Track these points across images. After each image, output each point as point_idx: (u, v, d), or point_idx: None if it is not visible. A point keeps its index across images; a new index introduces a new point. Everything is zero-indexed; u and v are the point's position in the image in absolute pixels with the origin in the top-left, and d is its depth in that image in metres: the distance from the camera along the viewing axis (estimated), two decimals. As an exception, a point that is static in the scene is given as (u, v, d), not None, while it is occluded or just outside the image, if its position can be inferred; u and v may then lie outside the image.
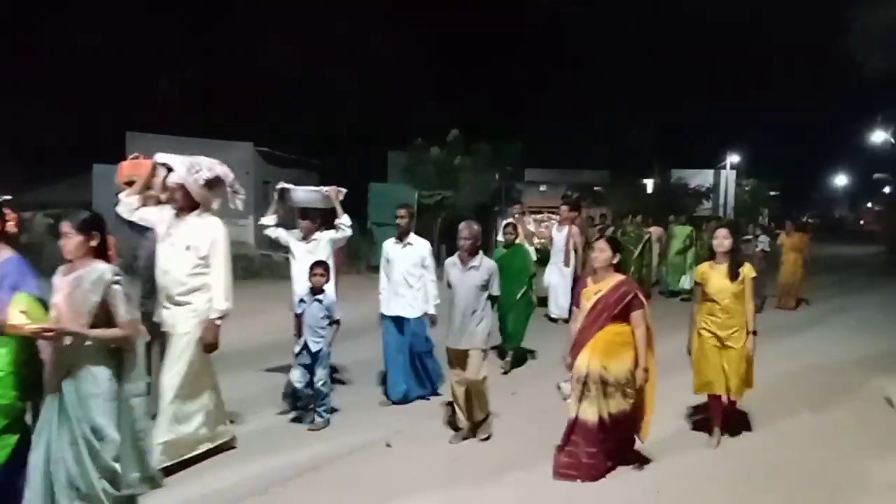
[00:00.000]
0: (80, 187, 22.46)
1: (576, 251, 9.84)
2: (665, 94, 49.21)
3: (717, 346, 5.43)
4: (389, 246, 6.69)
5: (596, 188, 37.76)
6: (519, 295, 7.96)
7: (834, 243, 39.82)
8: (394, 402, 6.52)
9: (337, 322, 5.86)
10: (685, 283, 13.81)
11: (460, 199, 21.18)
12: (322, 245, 6.59)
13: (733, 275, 5.38)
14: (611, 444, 4.78)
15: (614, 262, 4.87)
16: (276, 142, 23.89)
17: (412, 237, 6.69)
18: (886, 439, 5.83)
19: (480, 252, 5.64)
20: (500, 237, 8.40)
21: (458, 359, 5.52)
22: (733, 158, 42.94)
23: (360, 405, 6.46)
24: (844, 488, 4.80)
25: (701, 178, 39.74)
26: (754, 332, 5.43)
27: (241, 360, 7.56)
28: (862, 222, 66.31)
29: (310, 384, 5.75)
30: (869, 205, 62.56)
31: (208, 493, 4.43)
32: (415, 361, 6.63)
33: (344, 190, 6.86)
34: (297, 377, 5.78)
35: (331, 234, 6.66)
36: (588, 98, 46.25)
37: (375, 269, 11.18)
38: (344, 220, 6.64)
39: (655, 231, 15.48)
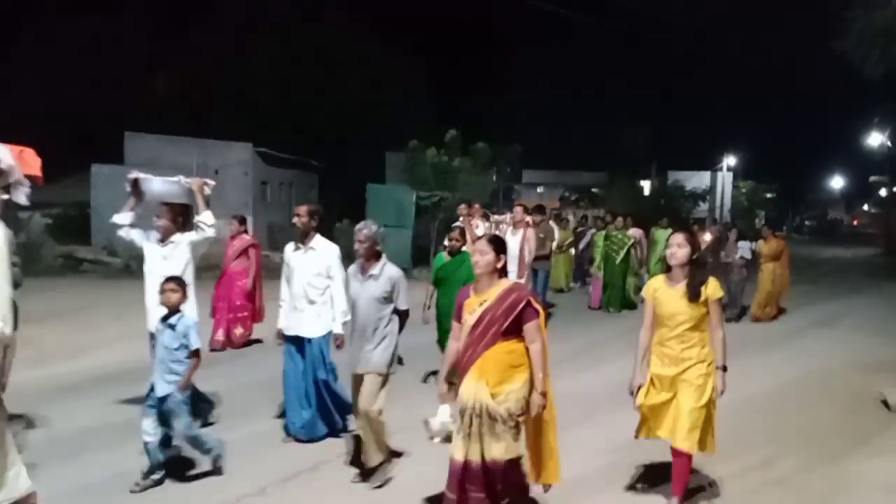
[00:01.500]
0: (78, 187, 22.45)
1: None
2: (662, 97, 49.36)
3: (667, 389, 4.29)
4: (289, 251, 5.55)
5: (593, 190, 37.90)
6: None
7: (829, 245, 39.99)
8: (296, 439, 5.41)
9: (196, 354, 4.56)
10: None
11: (458, 200, 21.18)
12: (180, 250, 5.45)
13: (693, 294, 4.20)
14: (504, 490, 3.83)
15: (499, 265, 3.97)
16: (274, 143, 23.91)
17: (316, 240, 5.45)
18: (881, 441, 5.87)
19: (383, 258, 4.81)
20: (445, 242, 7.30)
21: (357, 385, 4.73)
22: (730, 160, 43.08)
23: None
24: (839, 490, 4.83)
25: (698, 179, 39.86)
26: (724, 369, 4.26)
27: (235, 359, 7.58)
28: (855, 223, 66.48)
29: (167, 442, 4.53)
30: (865, 207, 62.72)
31: (204, 494, 4.44)
32: (320, 391, 5.42)
33: (212, 182, 5.79)
34: (147, 428, 4.46)
35: (191, 235, 5.51)
36: (586, 100, 46.35)
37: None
38: (205, 217, 5.49)
39: (635, 233, 14.26)
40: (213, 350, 8.13)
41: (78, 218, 20.86)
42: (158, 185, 5.58)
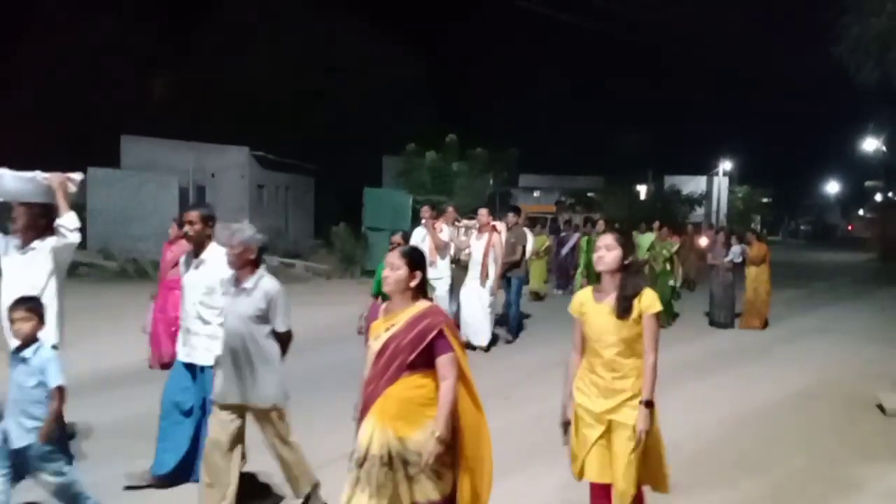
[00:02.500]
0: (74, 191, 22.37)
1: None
2: (659, 102, 49.50)
3: (595, 424, 3.50)
4: (182, 265, 4.77)
5: (590, 194, 37.99)
6: None
7: (825, 250, 40.12)
8: (159, 479, 4.55)
9: (59, 392, 3.68)
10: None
11: (455, 203, 21.22)
12: (41, 258, 4.54)
13: (622, 309, 3.42)
14: None
15: (413, 284, 3.28)
16: (271, 146, 23.91)
17: (210, 251, 4.53)
18: (878, 446, 5.88)
19: (261, 269, 4.10)
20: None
21: (227, 419, 4.04)
22: (726, 165, 43.22)
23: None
24: (835, 496, 4.84)
25: (694, 184, 39.99)
26: (648, 404, 3.40)
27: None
28: (850, 228, 66.72)
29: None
30: (861, 212, 62.95)
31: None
32: (201, 427, 4.53)
33: (77, 177, 4.95)
34: None
35: (52, 241, 4.59)
36: (583, 105, 46.43)
37: (370, 273, 11.15)
38: (67, 220, 4.58)
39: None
40: (162, 367, 7.15)
41: (74, 221, 20.77)
42: (11, 182, 4.65)
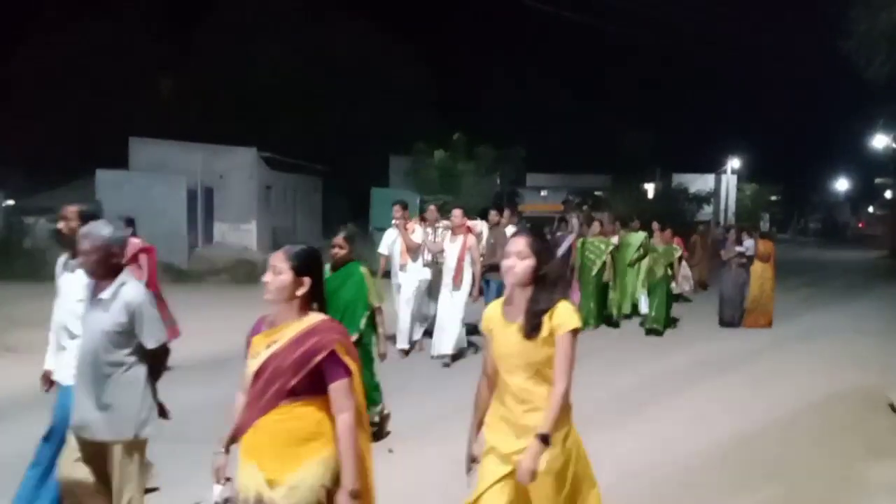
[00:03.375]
0: (81, 193, 22.47)
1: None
2: (667, 100, 49.32)
3: (504, 465, 2.86)
4: (58, 267, 4.07)
5: (597, 193, 37.87)
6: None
7: (834, 248, 39.91)
8: None
9: None
10: (643, 304, 11.70)
11: (462, 203, 21.21)
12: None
13: (529, 327, 2.79)
14: None
15: (300, 293, 2.70)
16: (278, 147, 23.96)
17: None
18: (889, 445, 5.84)
19: (123, 275, 3.42)
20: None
21: (87, 454, 3.35)
22: (734, 163, 43.03)
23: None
24: (846, 493, 4.81)
25: (702, 182, 39.83)
26: (544, 439, 2.72)
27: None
28: (861, 225, 66.38)
29: None
30: (871, 209, 62.59)
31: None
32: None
33: None
34: None
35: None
36: (590, 103, 46.33)
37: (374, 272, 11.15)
38: None
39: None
40: None
41: (83, 223, 20.87)
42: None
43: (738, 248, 11.70)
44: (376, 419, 5.47)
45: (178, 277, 16.99)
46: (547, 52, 45.88)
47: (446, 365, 8.04)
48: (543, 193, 44.90)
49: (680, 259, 11.38)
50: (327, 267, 5.18)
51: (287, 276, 2.69)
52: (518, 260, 2.86)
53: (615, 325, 11.36)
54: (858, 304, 15.04)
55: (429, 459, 5.16)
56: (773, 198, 47.83)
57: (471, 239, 8.33)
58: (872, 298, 16.04)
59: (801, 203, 63.66)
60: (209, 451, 5.00)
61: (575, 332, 2.80)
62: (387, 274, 9.09)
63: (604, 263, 11.04)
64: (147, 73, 29.38)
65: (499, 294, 8.85)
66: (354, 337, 5.00)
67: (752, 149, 46.27)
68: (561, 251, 13.25)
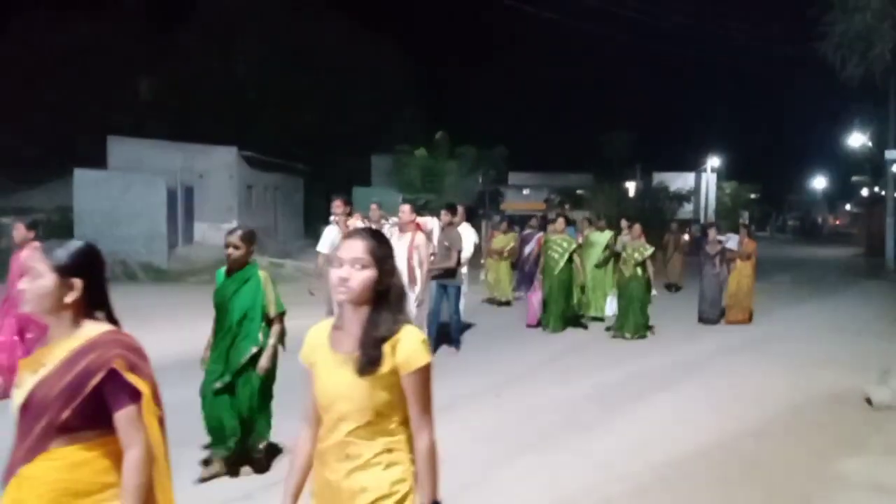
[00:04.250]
0: (59, 192, 22.22)
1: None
2: (647, 99, 49.69)
3: None
4: None
5: (578, 192, 38.04)
6: (244, 359, 4.52)
7: (811, 245, 40.41)
8: None
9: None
10: (610, 306, 10.92)
11: (444, 202, 21.25)
12: None
13: (366, 361, 2.11)
14: None
15: (69, 300, 2.10)
16: (259, 146, 23.82)
17: None
18: (866, 439, 5.93)
19: None
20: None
21: None
22: (714, 162, 43.41)
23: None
24: (822, 489, 4.88)
25: (682, 181, 40.11)
26: None
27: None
28: (837, 223, 67.29)
29: None
30: (847, 207, 63.43)
31: (219, 489, 4.42)
32: None
33: None
34: None
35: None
36: (571, 103, 46.52)
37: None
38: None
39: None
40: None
41: (61, 223, 20.64)
42: None
43: (722, 240, 11.72)
44: (258, 454, 4.74)
45: (158, 277, 16.84)
46: (527, 52, 45.98)
47: None
48: (525, 192, 45.05)
49: (653, 257, 10.44)
50: (222, 271, 4.68)
51: (48, 279, 2.07)
52: (353, 270, 2.10)
53: (584, 326, 10.97)
54: (835, 300, 15.26)
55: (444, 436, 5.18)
56: (752, 196, 48.27)
57: (419, 237, 7.75)
58: (849, 296, 16.28)
59: (779, 201, 64.34)
60: (184, 454, 5.02)
61: (426, 368, 2.11)
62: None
63: (568, 262, 10.33)
64: (126, 71, 29.07)
65: (457, 300, 8.59)
66: (253, 351, 4.51)
67: (731, 148, 46.74)
68: (528, 249, 12.64)
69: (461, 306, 9.05)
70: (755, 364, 8.75)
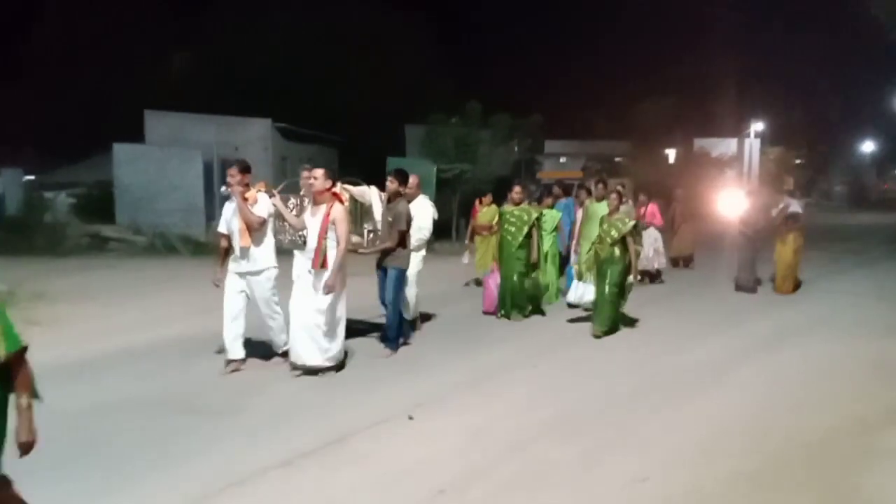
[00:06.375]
0: (100, 167, 22.66)
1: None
2: (688, 63, 48.40)
3: None
4: None
5: (616, 159, 37.43)
6: None
7: (859, 211, 39.24)
8: None
9: None
10: (573, 292, 9.48)
11: (479, 172, 21.09)
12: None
13: None
14: None
15: None
16: (294, 118, 23.90)
17: None
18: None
19: None
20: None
21: None
22: (758, 126, 42.23)
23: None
24: (863, 459, 4.73)
25: (724, 146, 39.17)
26: None
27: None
28: (885, 187, 65.23)
29: None
30: (896, 172, 61.42)
31: (229, 466, 4.48)
32: None
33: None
34: None
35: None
36: (608, 68, 45.58)
37: None
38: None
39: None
40: None
41: (102, 197, 21.09)
42: None
43: (791, 208, 11.21)
44: None
45: (197, 250, 17.10)
46: (564, 17, 45.08)
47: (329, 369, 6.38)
48: (562, 160, 44.53)
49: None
50: None
51: None
52: None
53: (541, 312, 9.34)
54: (880, 269, 14.79)
55: (446, 427, 5.22)
56: (798, 161, 46.97)
57: (336, 210, 6.29)
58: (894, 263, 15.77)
59: (825, 166, 62.45)
60: (223, 425, 5.11)
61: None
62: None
63: (527, 237, 8.95)
64: (162, 47, 29.35)
65: (396, 285, 7.11)
66: None
67: (775, 112, 45.36)
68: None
69: (411, 297, 7.78)
70: (796, 333, 8.52)
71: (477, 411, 5.58)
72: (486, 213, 11.13)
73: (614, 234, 8.17)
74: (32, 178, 23.73)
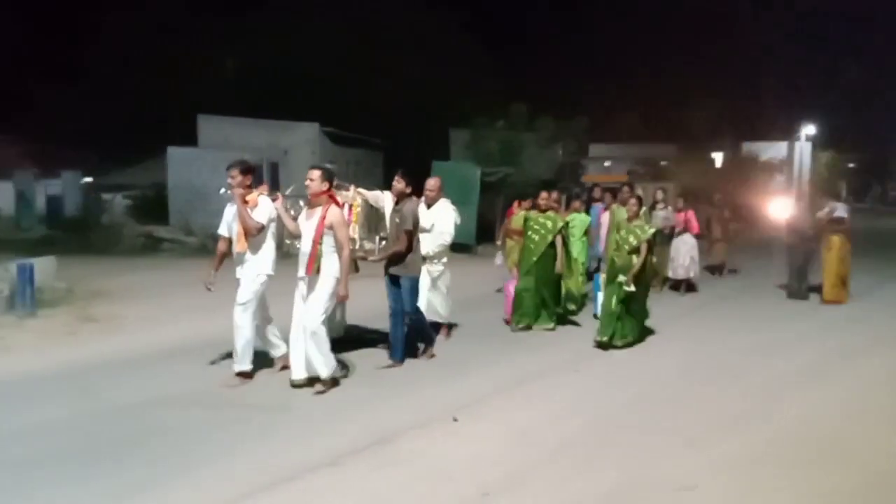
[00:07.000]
0: (154, 169, 23.31)
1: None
2: (736, 64, 47.49)
3: None
4: None
5: (662, 163, 36.95)
6: None
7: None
8: None
9: None
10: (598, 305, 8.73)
11: (523, 175, 21.07)
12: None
13: None
14: None
15: None
16: (339, 122, 24.22)
17: None
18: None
19: None
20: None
21: None
22: (809, 130, 41.20)
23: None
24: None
25: (774, 150, 38.33)
26: None
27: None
28: None
29: None
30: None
31: (277, 462, 4.62)
32: None
33: None
34: None
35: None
36: (654, 70, 44.97)
37: None
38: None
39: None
40: None
41: (156, 199, 21.71)
42: None
43: (833, 213, 10.92)
44: None
45: (246, 251, 17.38)
46: (608, 19, 44.68)
47: (320, 392, 5.94)
48: (607, 164, 44.11)
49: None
50: None
51: None
52: None
53: (574, 322, 8.93)
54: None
55: (490, 429, 5.28)
56: (851, 165, 45.67)
57: (333, 213, 5.90)
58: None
59: (880, 171, 60.51)
60: (270, 422, 5.24)
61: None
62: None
63: (550, 247, 8.41)
64: (213, 51, 30.05)
65: (411, 295, 6.73)
66: None
67: (827, 114, 44.19)
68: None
69: (440, 303, 7.65)
70: (851, 343, 8.34)
71: (520, 414, 5.64)
72: (517, 217, 10.72)
73: (632, 241, 7.72)
74: (90, 180, 24.57)
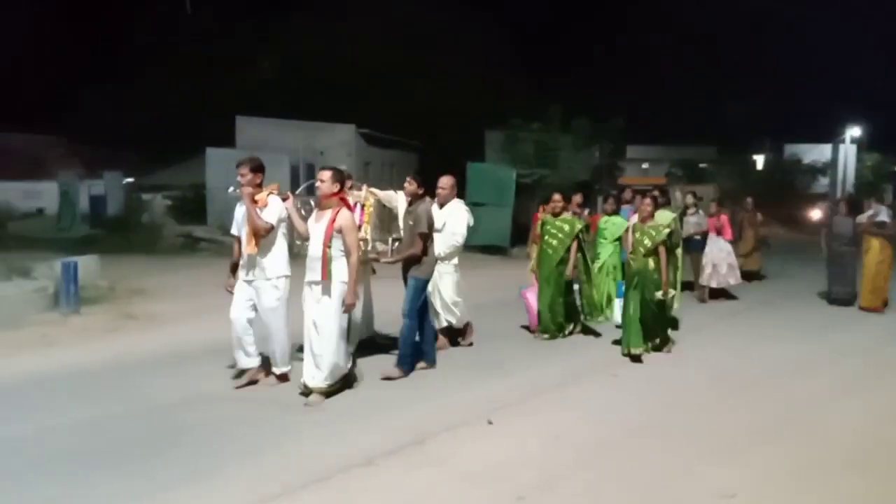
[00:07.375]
0: (194, 170, 23.71)
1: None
2: (778, 64, 46.56)
3: None
4: None
5: (701, 165, 36.37)
6: None
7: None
8: None
9: None
10: (616, 310, 8.38)
11: (559, 177, 20.91)
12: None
13: None
14: None
15: None
16: (375, 124, 24.36)
17: None
18: None
19: None
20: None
21: None
22: (854, 131, 40.16)
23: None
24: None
25: (817, 153, 37.46)
26: None
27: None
28: None
29: None
30: None
31: (311, 462, 4.62)
32: None
33: None
34: None
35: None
36: (693, 69, 44.34)
37: (472, 248, 10.47)
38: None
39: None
40: None
41: (195, 199, 22.08)
42: None
43: (879, 216, 10.59)
44: None
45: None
46: (645, 19, 44.17)
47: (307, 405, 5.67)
48: (644, 166, 43.61)
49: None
50: None
51: None
52: None
53: (594, 331, 8.48)
54: None
55: (524, 431, 5.24)
56: (898, 168, 44.40)
57: (343, 216, 5.71)
58: None
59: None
60: (305, 421, 5.25)
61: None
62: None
63: (568, 250, 8.02)
64: (249, 53, 30.49)
65: (416, 295, 6.48)
66: None
67: (873, 116, 43.01)
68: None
69: (453, 306, 7.39)
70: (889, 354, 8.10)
71: (555, 417, 5.57)
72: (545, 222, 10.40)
73: (647, 242, 7.38)
74: (132, 180, 25.09)
